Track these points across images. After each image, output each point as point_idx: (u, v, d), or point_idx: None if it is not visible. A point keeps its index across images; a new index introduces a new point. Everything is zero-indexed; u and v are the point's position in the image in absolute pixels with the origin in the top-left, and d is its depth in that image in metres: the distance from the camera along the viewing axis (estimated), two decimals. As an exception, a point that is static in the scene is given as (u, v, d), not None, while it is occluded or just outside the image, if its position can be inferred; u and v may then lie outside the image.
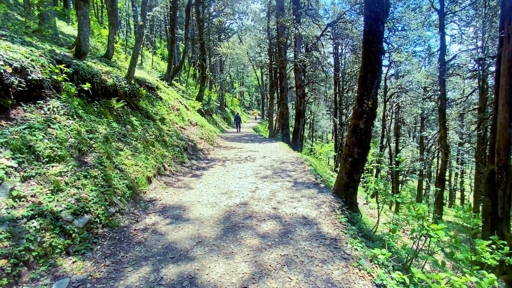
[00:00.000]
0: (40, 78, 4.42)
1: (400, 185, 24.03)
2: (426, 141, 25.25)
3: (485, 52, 15.53)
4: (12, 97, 3.93)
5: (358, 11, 14.58)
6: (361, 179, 6.42)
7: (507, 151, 7.87)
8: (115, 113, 6.42)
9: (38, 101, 4.35)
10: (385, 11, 5.28)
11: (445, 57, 16.16)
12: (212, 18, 23.26)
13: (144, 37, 8.89)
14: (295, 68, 16.29)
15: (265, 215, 4.49)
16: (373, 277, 2.96)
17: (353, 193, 5.46)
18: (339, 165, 6.74)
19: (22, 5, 8.80)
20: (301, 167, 7.84)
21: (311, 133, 37.60)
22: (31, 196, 3.22)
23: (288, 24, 14.21)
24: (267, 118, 26.24)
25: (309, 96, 23.78)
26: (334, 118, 24.87)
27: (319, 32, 16.02)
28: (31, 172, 3.41)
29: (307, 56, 15.45)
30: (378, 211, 4.82)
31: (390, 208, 19.78)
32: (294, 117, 19.50)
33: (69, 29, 11.10)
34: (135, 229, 4.02)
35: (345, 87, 24.73)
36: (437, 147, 23.27)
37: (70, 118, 4.68)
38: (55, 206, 3.35)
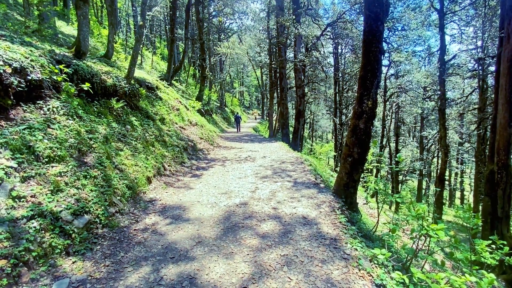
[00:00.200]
0: (40, 78, 4.41)
1: (400, 185, 24.04)
2: (426, 141, 25.25)
3: (485, 51, 15.52)
4: (12, 97, 3.93)
5: (358, 11, 14.57)
6: (361, 179, 6.42)
7: (507, 151, 7.87)
8: (115, 113, 6.42)
9: (38, 101, 4.34)
10: (385, 11, 5.28)
11: (445, 57, 16.16)
12: (212, 18, 23.26)
13: (144, 37, 8.89)
14: (295, 68, 16.29)
15: (265, 215, 4.49)
16: (372, 277, 2.96)
17: (353, 193, 5.46)
18: (339, 165, 6.74)
19: (22, 5, 8.80)
20: (301, 167, 7.84)
21: (311, 133, 37.61)
22: (31, 196, 3.22)
23: (288, 24, 14.20)
24: (267, 118, 26.25)
25: (309, 96, 23.78)
26: (334, 118, 24.87)
27: (319, 32, 16.02)
28: (30, 173, 3.41)
29: (307, 56, 15.45)
30: (378, 211, 4.82)
31: (390, 208, 19.79)
32: (294, 117, 19.51)
33: (68, 29, 11.09)
34: (135, 229, 4.02)
35: (345, 87, 24.72)
36: (437, 147, 23.28)
37: (70, 118, 4.68)
38: (55, 206, 3.35)
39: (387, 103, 23.91)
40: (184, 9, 21.06)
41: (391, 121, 26.18)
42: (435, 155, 25.79)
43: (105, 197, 4.17)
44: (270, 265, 3.08)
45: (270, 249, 3.42)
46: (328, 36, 19.44)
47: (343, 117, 24.87)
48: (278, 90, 20.21)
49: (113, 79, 6.70)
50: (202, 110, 17.31)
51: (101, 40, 12.12)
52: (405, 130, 30.36)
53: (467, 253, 3.15)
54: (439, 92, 16.47)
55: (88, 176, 4.15)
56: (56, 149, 3.94)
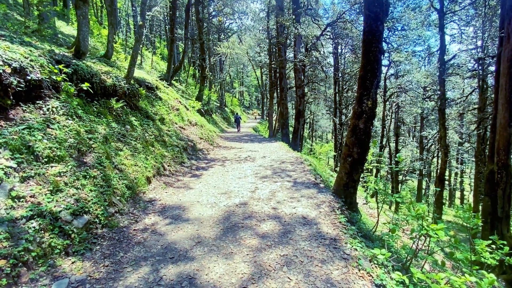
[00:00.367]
0: (39, 78, 4.41)
1: (400, 184, 24.03)
2: (426, 141, 25.25)
3: (485, 51, 15.51)
4: (11, 97, 3.93)
5: (357, 11, 14.56)
6: (360, 179, 6.42)
7: (506, 150, 7.87)
8: (114, 113, 6.42)
9: (37, 101, 4.34)
10: (385, 11, 5.28)
11: (445, 57, 16.16)
12: (211, 18, 23.26)
13: (143, 37, 8.89)
14: (294, 68, 16.28)
15: (264, 215, 4.48)
16: (372, 277, 2.96)
17: (352, 193, 5.46)
18: (338, 165, 6.73)
19: (22, 5, 8.79)
20: (300, 167, 7.84)
21: (311, 133, 37.61)
22: (30, 196, 3.21)
23: (288, 24, 14.20)
24: (267, 118, 26.25)
25: (308, 96, 23.78)
26: (334, 118, 24.87)
27: (319, 32, 16.02)
28: (30, 173, 3.40)
29: (307, 56, 15.45)
30: (377, 211, 4.82)
31: (389, 208, 19.79)
32: (294, 117, 19.51)
33: (68, 29, 11.09)
34: (134, 229, 4.02)
35: (344, 87, 24.72)
36: (437, 146, 23.28)
37: (69, 118, 4.68)
38: (54, 206, 3.34)
39: (387, 103, 23.91)
40: (184, 9, 21.05)
41: (391, 121, 26.18)
42: (435, 155, 25.80)
43: (105, 197, 4.17)
44: (269, 265, 3.07)
45: (269, 249, 3.42)
46: (328, 36, 19.44)
47: (343, 117, 24.87)
48: (278, 90, 20.21)
49: (112, 79, 6.69)
50: (202, 110, 17.31)
51: (101, 40, 12.11)
52: (405, 130, 30.37)
53: (467, 253, 3.15)
54: (439, 92, 16.47)
55: (88, 176, 4.15)
56: (55, 149, 3.93)
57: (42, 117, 4.19)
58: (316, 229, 3.97)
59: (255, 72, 39.28)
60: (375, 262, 3.24)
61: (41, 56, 4.87)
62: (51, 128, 4.15)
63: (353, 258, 3.25)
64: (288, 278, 2.86)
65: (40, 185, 3.42)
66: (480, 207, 13.25)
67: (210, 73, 24.97)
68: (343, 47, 24.22)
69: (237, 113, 24.92)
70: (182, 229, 4.02)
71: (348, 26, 16.43)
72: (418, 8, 18.32)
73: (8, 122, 3.73)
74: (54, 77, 4.73)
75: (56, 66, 4.86)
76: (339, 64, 25.18)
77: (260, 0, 24.63)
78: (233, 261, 3.16)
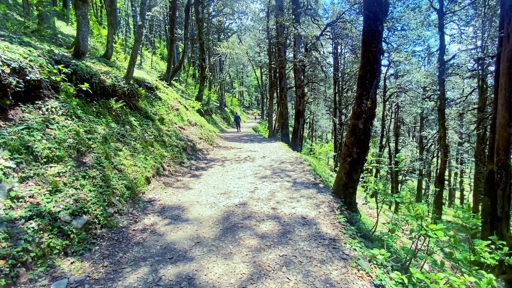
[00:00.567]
0: (39, 79, 4.41)
1: (399, 184, 24.04)
2: (426, 141, 25.25)
3: (485, 51, 15.52)
4: (10, 98, 3.92)
5: (357, 11, 14.56)
6: (360, 179, 6.41)
7: (506, 150, 7.86)
8: (114, 113, 6.41)
9: (37, 102, 4.34)
10: (384, 11, 5.28)
11: (445, 57, 16.15)
12: (211, 18, 23.26)
13: (143, 37, 8.88)
14: (294, 68, 16.28)
15: (264, 215, 4.48)
16: (371, 277, 2.96)
17: (352, 193, 5.46)
18: (338, 165, 6.74)
19: (21, 5, 8.79)
20: (300, 167, 7.84)
21: (310, 133, 37.61)
22: (29, 196, 3.21)
23: (288, 24, 14.19)
24: (267, 118, 26.24)
25: (308, 96, 23.78)
26: (334, 118, 24.87)
27: (319, 32, 16.02)
28: (29, 173, 3.40)
29: (307, 56, 15.45)
30: (377, 211, 4.82)
31: (389, 208, 19.79)
32: (293, 117, 19.50)
33: (68, 29, 11.09)
34: (133, 230, 4.01)
35: (344, 87, 24.73)
36: (437, 146, 23.27)
37: (69, 118, 4.67)
38: (54, 206, 3.34)
39: (387, 103, 23.91)
40: (183, 9, 21.05)
41: (390, 121, 26.19)
42: (435, 155, 25.81)
43: (104, 198, 4.16)
44: (269, 266, 3.07)
45: (269, 250, 3.41)
46: (328, 36, 19.44)
47: (343, 117, 24.88)
48: (278, 90, 20.20)
49: (112, 79, 6.69)
50: (201, 110, 17.31)
51: (101, 40, 12.11)
52: (404, 130, 30.38)
53: (466, 253, 3.15)
54: (438, 92, 16.46)
55: (87, 176, 4.15)
56: (54, 149, 3.93)
57: (41, 117, 4.18)
58: (315, 229, 3.96)
59: (255, 72, 39.29)
60: (374, 262, 3.23)
61: (40, 56, 4.86)
62: (50, 128, 4.15)
63: (352, 258, 3.25)
64: (287, 278, 2.86)
65: (39, 185, 3.42)
66: (480, 207, 13.26)
67: (210, 73, 24.97)
68: (342, 47, 24.23)
69: (236, 113, 24.94)
70: (181, 229, 4.02)
71: (348, 26, 16.44)
72: (417, 8, 18.32)
73: (7, 122, 3.73)
74: (53, 77, 4.73)
75: (55, 66, 4.86)
76: (339, 64, 25.18)
77: (260, 0, 24.64)
78: (232, 261, 3.16)
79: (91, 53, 8.61)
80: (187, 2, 17.56)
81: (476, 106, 18.03)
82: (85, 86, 5.24)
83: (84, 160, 4.38)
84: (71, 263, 3.05)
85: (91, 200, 3.88)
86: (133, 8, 25.98)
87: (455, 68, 17.42)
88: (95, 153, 4.69)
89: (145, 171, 5.87)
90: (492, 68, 14.51)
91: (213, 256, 3.28)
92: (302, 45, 17.09)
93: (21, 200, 3.12)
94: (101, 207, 3.96)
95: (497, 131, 8.05)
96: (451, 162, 26.88)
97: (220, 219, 4.34)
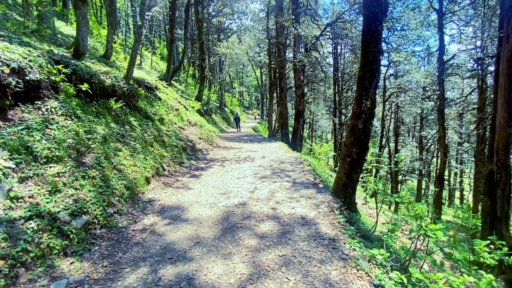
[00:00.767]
0: (38, 79, 4.41)
1: (399, 184, 24.05)
2: (425, 141, 25.27)
3: (484, 51, 15.53)
4: (10, 98, 3.93)
5: (357, 11, 14.58)
6: (360, 179, 6.41)
7: (506, 150, 7.87)
8: (113, 113, 6.41)
9: (36, 102, 4.34)
10: (384, 11, 5.28)
11: (444, 57, 16.15)
12: (211, 18, 23.25)
13: (143, 37, 8.86)
14: (294, 68, 16.29)
15: (263, 215, 4.48)
16: (371, 277, 2.96)
17: (351, 193, 5.46)
18: (338, 165, 6.74)
19: (21, 5, 8.79)
20: (300, 167, 7.84)
21: (310, 133, 37.62)
22: (29, 197, 3.21)
23: (287, 24, 14.20)
24: (267, 118, 26.23)
25: (308, 96, 23.78)
26: (334, 118, 24.87)
27: (318, 32, 16.03)
28: (28, 173, 3.40)
29: (306, 56, 15.45)
30: (377, 211, 4.83)
31: (389, 208, 19.78)
32: (293, 117, 19.51)
33: (68, 29, 11.09)
34: (133, 230, 4.01)
35: (344, 87, 24.74)
36: (436, 146, 23.27)
37: (68, 118, 4.67)
38: (53, 207, 3.34)
39: (387, 103, 23.92)
40: (183, 9, 21.05)
41: (390, 121, 26.20)
42: (435, 155, 25.81)
43: (104, 198, 4.16)
44: (268, 266, 3.07)
45: (268, 250, 3.42)
46: (328, 36, 19.43)
47: (343, 117, 24.88)
48: (278, 90, 20.21)
49: (112, 79, 6.69)
50: (201, 110, 17.31)
51: (100, 40, 12.11)
52: (404, 130, 30.38)
53: (466, 253, 3.15)
54: (438, 92, 16.45)
55: (87, 177, 4.15)
56: (54, 149, 3.93)
57: (41, 117, 4.18)
58: (315, 229, 3.96)
59: (254, 72, 39.31)
60: (374, 262, 3.24)
61: (40, 56, 4.86)
62: (50, 129, 4.15)
63: (352, 258, 3.25)
64: (287, 278, 2.86)
65: (39, 185, 3.42)
66: (480, 207, 13.27)
67: (210, 73, 24.97)
68: (342, 47, 24.23)
69: (236, 113, 24.92)
70: (181, 229, 4.02)
71: (348, 26, 16.43)
72: (417, 8, 18.32)
73: (6, 123, 3.73)
74: (53, 77, 4.73)
75: (55, 67, 4.86)
76: (339, 64, 25.19)
77: (259, 0, 24.65)
78: (232, 262, 3.16)
79: (91, 53, 8.61)
80: (187, 2, 17.57)
81: (475, 106, 18.05)
82: (84, 86, 5.25)
83: (83, 160, 4.38)
84: (71, 263, 3.05)
85: (90, 200, 3.88)
86: (133, 8, 25.99)
87: (454, 68, 17.43)
88: (94, 153, 4.69)
89: (144, 171, 5.87)
90: (491, 68, 14.53)
91: (213, 256, 3.28)
92: (302, 45, 17.09)
93: (20, 200, 3.12)
94: (101, 207, 3.96)
95: (497, 131, 8.06)
96: (450, 162, 26.90)
97: (220, 219, 4.34)
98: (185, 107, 13.26)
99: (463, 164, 29.13)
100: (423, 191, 26.05)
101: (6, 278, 2.51)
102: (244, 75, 54.93)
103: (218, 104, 28.59)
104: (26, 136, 3.68)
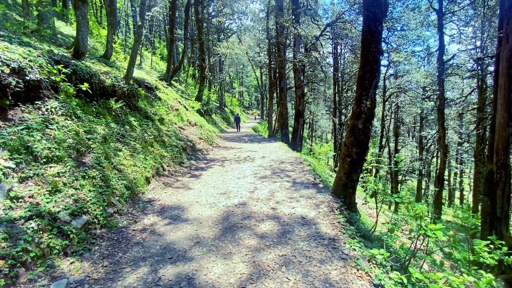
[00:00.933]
0: (38, 79, 4.41)
1: (399, 184, 24.05)
2: (425, 141, 25.27)
3: (484, 52, 15.54)
4: (10, 98, 3.93)
5: (357, 11, 14.59)
6: (360, 179, 6.41)
7: (506, 150, 7.87)
8: (113, 113, 6.41)
9: (36, 102, 4.34)
10: (384, 11, 5.29)
11: (444, 57, 16.16)
12: (211, 18, 23.25)
13: (143, 37, 8.86)
14: (294, 68, 16.29)
15: (263, 215, 4.48)
16: (371, 277, 2.96)
17: (351, 193, 5.46)
18: (338, 165, 6.74)
19: (21, 5, 8.79)
20: (300, 167, 7.84)
21: (310, 133, 37.62)
22: (29, 197, 3.21)
23: (287, 24, 14.20)
24: (267, 118, 26.24)
25: (308, 96, 23.79)
26: (334, 118, 24.88)
27: (318, 32, 16.04)
28: (29, 173, 3.40)
29: (306, 56, 15.45)
30: (377, 211, 4.83)
31: (389, 208, 19.79)
32: (293, 117, 19.51)
33: (68, 29, 11.09)
34: (133, 230, 4.02)
35: (344, 87, 24.74)
36: (436, 146, 23.27)
37: (68, 118, 4.67)
38: (53, 207, 3.34)
39: (387, 103, 23.93)
40: (183, 9, 21.05)
41: (390, 121, 26.21)
42: (435, 155, 25.81)
43: (104, 198, 4.16)
44: (268, 265, 3.07)
45: (268, 249, 3.42)
46: (328, 36, 19.43)
47: (343, 117, 24.89)
48: (278, 90, 20.21)
49: (112, 79, 6.69)
50: (201, 110, 17.31)
51: (100, 40, 12.11)
52: (404, 130, 30.40)
53: (465, 253, 3.15)
54: (438, 92, 16.46)
55: (87, 177, 4.15)
56: (54, 149, 3.93)
57: (41, 117, 4.18)
58: (315, 229, 3.97)
59: (254, 72, 39.30)
60: (374, 262, 3.24)
61: (40, 56, 4.86)
62: (50, 129, 4.15)
63: (352, 258, 3.26)
64: (287, 278, 2.86)
65: (39, 185, 3.42)
66: (480, 207, 13.27)
67: (210, 73, 24.97)
68: (342, 47, 24.23)
69: (237, 113, 24.94)
70: (181, 229, 4.02)
71: (348, 26, 16.43)
72: (417, 9, 18.32)
73: (6, 123, 3.73)
74: (53, 77, 4.73)
75: (55, 67, 4.86)
76: (339, 64, 25.19)
77: (259, 0, 24.67)
78: (232, 261, 3.16)
79: (91, 53, 8.61)
80: (187, 2, 17.57)
81: (475, 106, 18.05)
82: (84, 86, 5.25)
83: (83, 160, 4.38)
84: (71, 263, 3.05)
85: (90, 200, 3.88)
86: (133, 8, 25.98)
87: (454, 68, 17.43)
88: (94, 153, 4.69)
89: (144, 171, 5.87)
90: (491, 68, 14.53)
91: (213, 256, 3.29)
92: (302, 45, 17.10)
93: (20, 200, 3.12)
94: (101, 207, 3.96)
95: (497, 131, 8.06)
96: (450, 162, 26.90)
97: (220, 219, 4.35)
98: (185, 107, 13.27)
99: (463, 164, 29.14)
100: (423, 191, 26.05)
101: (6, 278, 2.51)
102: (244, 75, 54.95)
103: (218, 104, 28.59)
104: (26, 136, 3.68)
